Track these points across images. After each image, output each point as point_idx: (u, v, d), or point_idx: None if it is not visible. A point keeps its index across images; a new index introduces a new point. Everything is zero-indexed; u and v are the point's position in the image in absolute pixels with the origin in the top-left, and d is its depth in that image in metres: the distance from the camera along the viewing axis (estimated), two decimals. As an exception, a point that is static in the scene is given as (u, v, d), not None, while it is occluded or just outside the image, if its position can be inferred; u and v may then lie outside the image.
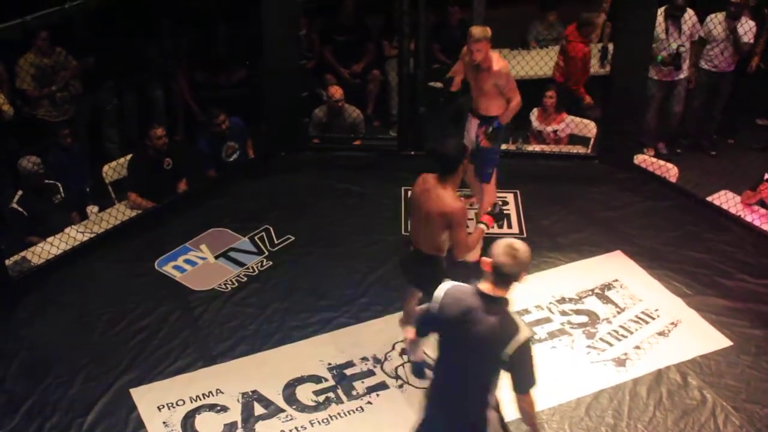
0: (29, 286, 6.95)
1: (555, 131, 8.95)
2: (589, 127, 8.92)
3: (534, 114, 9.02)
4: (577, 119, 8.98)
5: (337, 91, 8.99)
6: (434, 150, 5.68)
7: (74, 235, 7.54)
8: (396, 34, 9.18)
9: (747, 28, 9.15)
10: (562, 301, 6.82)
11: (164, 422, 5.74)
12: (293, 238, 7.57)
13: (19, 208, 7.53)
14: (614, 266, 7.18)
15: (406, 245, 5.91)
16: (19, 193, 7.59)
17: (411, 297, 6.03)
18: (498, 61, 6.85)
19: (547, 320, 6.62)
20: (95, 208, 8.10)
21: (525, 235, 7.58)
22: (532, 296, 6.84)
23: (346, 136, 9.06)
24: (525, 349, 4.29)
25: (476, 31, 6.80)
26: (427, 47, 9.07)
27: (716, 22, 9.25)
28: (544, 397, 5.82)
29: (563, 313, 6.70)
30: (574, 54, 9.29)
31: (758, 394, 5.93)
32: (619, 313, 6.69)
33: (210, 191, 8.37)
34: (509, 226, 7.72)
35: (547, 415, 5.77)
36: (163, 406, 5.86)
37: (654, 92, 9.22)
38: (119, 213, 7.89)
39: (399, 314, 6.61)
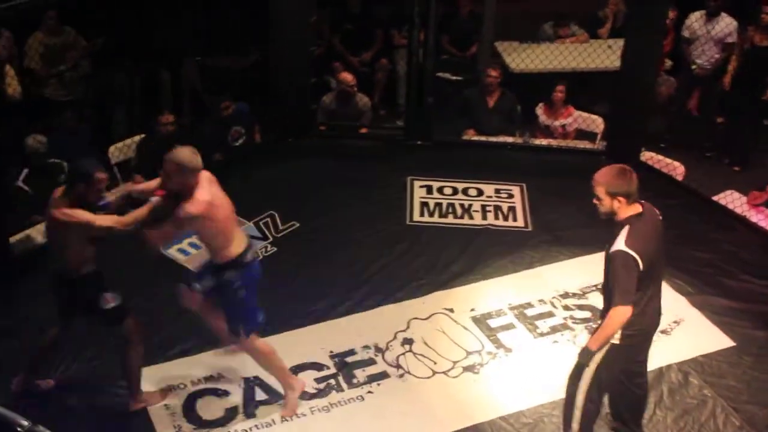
0: (33, 264, 6.92)
1: (563, 126, 8.93)
2: (596, 123, 8.90)
3: (540, 109, 9.00)
4: (585, 114, 8.96)
5: (348, 77, 8.98)
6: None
7: (79, 215, 7.52)
8: (406, 23, 9.17)
9: (723, 24, 9.05)
10: (566, 295, 6.81)
11: (166, 405, 5.74)
12: (298, 224, 7.57)
13: (25, 187, 7.53)
14: (618, 263, 7.16)
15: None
16: (25, 171, 7.59)
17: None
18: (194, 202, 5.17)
19: (550, 314, 6.62)
20: (100, 188, 8.07)
21: (530, 229, 7.59)
22: (536, 290, 6.85)
23: (353, 123, 9.05)
24: None
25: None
26: (437, 38, 9.06)
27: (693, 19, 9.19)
28: (545, 391, 5.89)
29: (566, 307, 6.70)
30: None
31: (759, 395, 5.92)
32: (621, 309, 6.67)
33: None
34: (514, 220, 7.72)
35: (548, 409, 5.78)
36: (165, 389, 5.86)
37: None
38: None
39: (402, 303, 6.64)
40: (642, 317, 4.88)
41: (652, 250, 4.78)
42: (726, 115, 9.37)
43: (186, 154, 5.22)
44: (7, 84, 8.28)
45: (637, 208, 4.80)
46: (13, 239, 7.04)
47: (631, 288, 4.69)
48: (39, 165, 7.62)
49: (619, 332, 4.82)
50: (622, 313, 4.69)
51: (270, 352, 5.68)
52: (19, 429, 2.41)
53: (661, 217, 4.98)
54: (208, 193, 5.24)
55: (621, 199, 4.75)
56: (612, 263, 4.73)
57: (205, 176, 5.32)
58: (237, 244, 5.39)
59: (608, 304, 4.83)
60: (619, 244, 4.69)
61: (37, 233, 7.25)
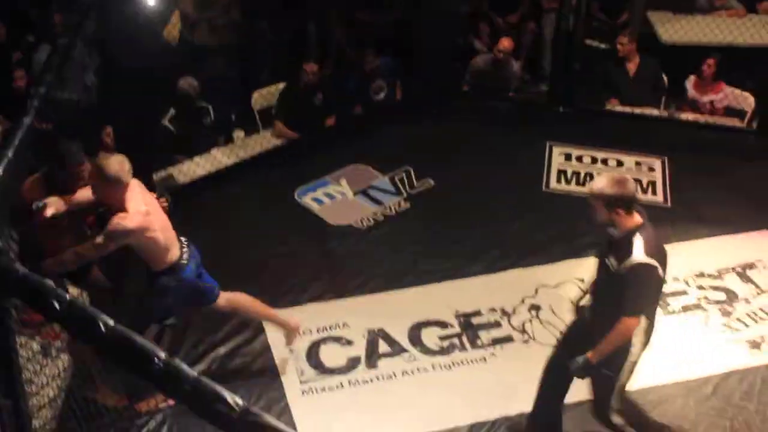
0: (172, 203, 7.10)
1: (712, 102, 8.64)
2: (747, 101, 8.58)
3: (690, 82, 8.71)
4: (737, 91, 8.63)
5: (504, 42, 8.87)
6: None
7: (219, 158, 7.71)
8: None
9: None
10: (701, 275, 6.61)
11: (290, 348, 5.84)
12: (433, 182, 7.56)
13: (170, 126, 7.73)
14: (759, 246, 6.91)
15: None
16: (172, 111, 7.79)
17: None
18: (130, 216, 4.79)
19: (683, 293, 6.43)
20: (241, 133, 8.25)
21: (669, 205, 7.40)
22: (670, 268, 6.60)
23: (498, 86, 8.96)
24: None
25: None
26: (588, 4, 8.87)
27: None
28: (671, 369, 5.74)
29: (700, 287, 6.50)
30: None
31: None
32: (759, 294, 6.44)
33: (354, 128, 8.42)
34: (654, 194, 7.53)
35: (673, 389, 5.64)
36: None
37: None
38: (264, 140, 8.03)
39: (531, 269, 6.59)
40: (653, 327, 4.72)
41: (663, 259, 4.57)
42: None
43: (113, 165, 4.74)
44: (168, 30, 8.48)
45: (638, 218, 4.51)
46: (155, 177, 7.22)
47: (648, 302, 4.53)
48: (187, 107, 7.80)
49: (639, 349, 4.66)
50: (632, 325, 4.50)
51: None
52: (156, 360, 2.47)
53: None
54: (141, 203, 4.88)
55: (620, 210, 4.47)
56: (632, 275, 4.42)
57: (136, 184, 4.93)
58: (174, 250, 5.10)
59: (608, 316, 4.55)
60: (639, 255, 4.41)
61: (179, 173, 7.46)
